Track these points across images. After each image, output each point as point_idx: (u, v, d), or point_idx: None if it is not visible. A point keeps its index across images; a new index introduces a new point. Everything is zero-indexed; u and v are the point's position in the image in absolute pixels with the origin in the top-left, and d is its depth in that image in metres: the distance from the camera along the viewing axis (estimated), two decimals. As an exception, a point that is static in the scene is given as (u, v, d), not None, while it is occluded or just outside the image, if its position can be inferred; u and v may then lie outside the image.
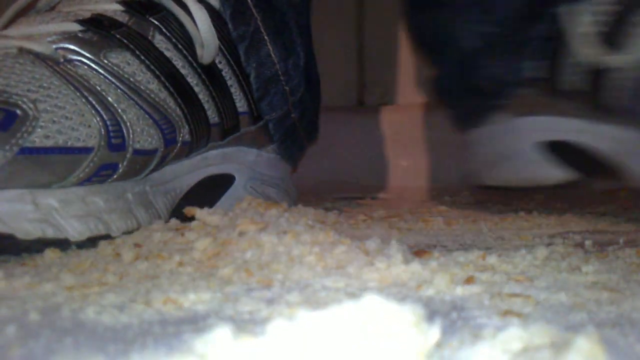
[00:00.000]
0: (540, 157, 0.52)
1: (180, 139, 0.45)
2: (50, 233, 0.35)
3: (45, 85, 0.37)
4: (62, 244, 0.36)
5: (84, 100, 0.39)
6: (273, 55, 0.52)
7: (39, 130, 0.35)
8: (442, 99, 0.61)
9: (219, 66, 0.50)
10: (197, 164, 0.51)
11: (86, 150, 0.38)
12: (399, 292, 0.26)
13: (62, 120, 0.37)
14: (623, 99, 0.42)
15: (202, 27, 0.46)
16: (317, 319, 0.16)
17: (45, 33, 0.41)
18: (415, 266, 0.29)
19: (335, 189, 0.79)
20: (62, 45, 0.41)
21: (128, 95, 0.41)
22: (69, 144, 0.37)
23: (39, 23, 0.42)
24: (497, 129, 0.54)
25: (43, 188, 0.36)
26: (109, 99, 0.40)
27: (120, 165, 0.40)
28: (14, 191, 0.35)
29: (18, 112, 0.35)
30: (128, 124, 0.40)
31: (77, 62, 0.40)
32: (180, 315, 0.23)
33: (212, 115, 0.49)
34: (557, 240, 0.40)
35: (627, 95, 0.42)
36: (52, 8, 0.45)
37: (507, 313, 0.23)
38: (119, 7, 0.44)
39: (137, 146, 0.41)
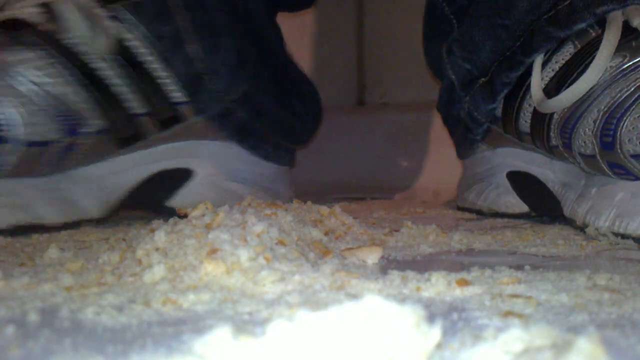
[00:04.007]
0: (506, 187, 0.55)
1: (91, 128, 0.46)
2: None
3: None
4: None
5: None
6: (196, 54, 0.53)
7: None
8: (444, 123, 0.63)
9: (149, 58, 0.50)
10: (142, 159, 0.52)
11: None
12: (399, 293, 0.26)
13: None
14: (557, 139, 0.46)
15: (74, 27, 0.48)
16: (317, 319, 0.16)
17: None
18: (416, 268, 0.29)
19: (335, 189, 0.79)
20: None
21: (21, 91, 0.43)
22: None
23: None
24: (479, 157, 0.58)
25: None
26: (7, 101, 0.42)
27: (5, 156, 0.42)
28: None
29: None
30: (18, 116, 0.43)
31: None
32: (179, 316, 0.23)
33: (135, 105, 0.50)
34: (559, 241, 0.40)
35: (558, 136, 0.45)
36: None
37: (508, 314, 0.23)
38: (35, 9, 0.47)
39: (29, 138, 0.43)
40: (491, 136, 0.56)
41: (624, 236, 0.39)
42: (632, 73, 0.41)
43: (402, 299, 0.25)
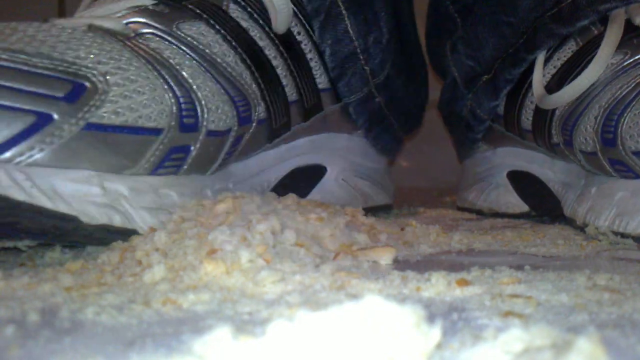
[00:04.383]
0: (506, 186, 0.55)
1: (256, 117, 0.41)
2: (117, 221, 0.33)
3: (116, 57, 0.34)
4: (128, 235, 0.33)
5: (156, 74, 0.35)
6: (351, 31, 0.48)
7: (108, 105, 0.33)
8: (444, 123, 0.63)
9: (298, 38, 0.46)
10: (284, 154, 0.47)
11: (156, 132, 0.34)
12: (399, 293, 0.26)
13: (133, 95, 0.34)
14: (558, 136, 0.46)
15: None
16: (317, 319, 0.16)
17: (115, 10, 0.39)
18: (416, 268, 0.29)
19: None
20: (132, 19, 0.38)
21: (204, 69, 0.38)
22: (140, 123, 0.34)
23: (109, 3, 0.40)
24: (479, 157, 0.59)
25: (111, 173, 0.33)
26: (184, 73, 0.37)
27: (192, 148, 0.36)
28: (81, 172, 0.32)
29: (87, 84, 0.32)
30: (203, 102, 0.37)
31: (148, 36, 0.37)
32: (179, 316, 0.23)
33: (291, 92, 0.45)
34: (559, 241, 0.40)
35: (560, 133, 0.45)
36: None
37: (508, 314, 0.23)
38: None
39: (211, 127, 0.37)
40: (492, 135, 0.56)
41: (623, 235, 0.39)
42: (633, 70, 0.41)
43: (402, 299, 0.25)
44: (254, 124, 0.41)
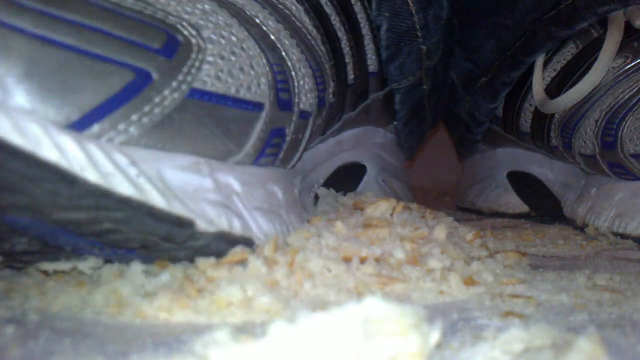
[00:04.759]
0: (506, 187, 0.55)
1: (329, 99, 0.34)
2: (237, 228, 0.25)
3: (199, 6, 0.26)
4: (247, 245, 0.25)
5: (246, 32, 0.28)
6: (411, 4, 0.41)
7: (207, 67, 0.25)
8: (444, 124, 0.63)
9: (356, 8, 0.39)
10: (332, 150, 0.41)
11: (258, 106, 0.27)
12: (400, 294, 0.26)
13: (230, 56, 0.26)
14: (557, 139, 0.46)
15: None
16: (317, 320, 0.16)
17: None
18: (416, 268, 0.29)
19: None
20: None
21: (289, 33, 0.30)
22: (242, 94, 0.26)
23: None
24: (479, 157, 0.58)
25: (217, 160, 0.25)
26: (272, 36, 0.29)
27: (287, 132, 0.29)
28: (188, 157, 0.24)
29: (179, 37, 0.24)
30: (293, 72, 0.29)
31: None
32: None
33: (350, 73, 0.38)
34: (559, 241, 0.40)
35: (559, 136, 0.45)
36: None
37: (508, 314, 0.23)
38: None
39: (302, 105, 0.30)
40: (491, 136, 0.56)
41: (623, 236, 0.39)
42: (634, 74, 0.41)
43: (402, 299, 0.25)
44: (326, 108, 0.33)
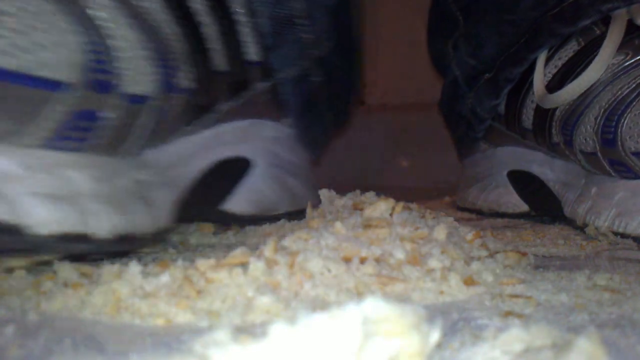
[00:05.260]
0: (506, 186, 0.55)
1: (181, 84, 0.33)
2: (2, 213, 0.24)
3: None
4: (13, 233, 0.24)
5: (54, 6, 0.26)
6: None
7: None
8: (445, 122, 0.63)
9: None
10: (208, 142, 0.39)
11: (55, 85, 0.26)
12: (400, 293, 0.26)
13: (29, 30, 0.25)
14: (559, 136, 0.46)
15: None
16: (317, 320, 0.16)
17: None
18: (416, 268, 0.29)
19: (335, 189, 0.79)
20: None
21: (121, 12, 0.29)
22: (33, 71, 0.25)
23: None
24: (479, 157, 0.58)
25: None
26: (97, 12, 0.28)
27: (103, 115, 0.28)
28: None
29: None
30: (120, 53, 0.28)
31: None
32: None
33: (218, 59, 0.37)
34: (559, 241, 0.40)
35: (560, 133, 0.45)
36: None
37: (508, 314, 0.23)
38: None
39: (129, 89, 0.29)
40: (492, 134, 0.56)
41: (623, 235, 0.39)
42: (633, 70, 0.41)
43: (402, 299, 0.25)
44: (177, 94, 0.32)
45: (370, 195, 0.37)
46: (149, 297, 0.23)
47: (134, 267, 0.24)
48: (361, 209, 0.33)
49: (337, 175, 0.87)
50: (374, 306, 0.16)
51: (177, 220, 0.34)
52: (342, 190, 0.39)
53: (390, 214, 0.31)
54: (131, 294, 0.24)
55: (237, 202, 0.41)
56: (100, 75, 0.27)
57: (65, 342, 0.20)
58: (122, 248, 0.30)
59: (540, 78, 0.47)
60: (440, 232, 0.30)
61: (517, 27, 0.49)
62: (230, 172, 0.41)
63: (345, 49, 0.48)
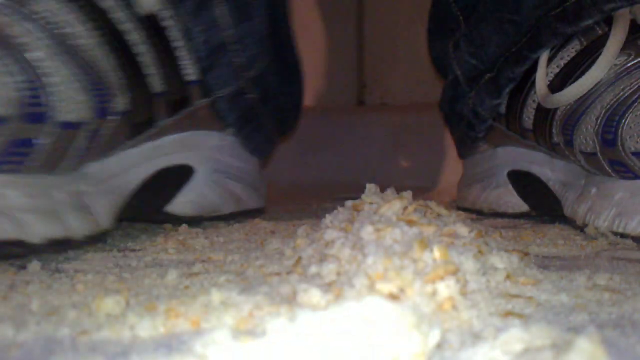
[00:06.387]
0: (506, 186, 0.55)
1: (115, 108, 0.37)
2: None
3: None
4: None
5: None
6: (225, 19, 0.45)
7: None
8: (445, 122, 0.63)
9: (164, 23, 0.42)
10: (149, 154, 0.43)
11: None
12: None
13: None
14: (559, 136, 0.46)
15: None
16: (318, 319, 0.16)
17: None
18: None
19: (335, 189, 0.79)
20: None
21: (57, 51, 0.34)
22: None
23: None
24: (479, 157, 0.58)
25: None
26: (31, 54, 0.32)
27: (38, 142, 0.32)
28: None
29: None
30: (52, 88, 0.33)
31: None
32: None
33: (155, 83, 0.41)
34: (559, 241, 0.40)
35: (560, 133, 0.45)
36: None
37: (508, 314, 0.23)
38: None
39: (62, 117, 0.33)
40: (493, 134, 0.56)
41: (623, 235, 0.39)
42: (636, 71, 0.41)
43: (402, 299, 0.25)
44: (112, 117, 0.37)
45: (371, 195, 0.36)
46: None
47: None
48: (359, 210, 0.33)
49: (337, 175, 0.87)
50: (374, 306, 0.16)
51: (121, 221, 0.38)
52: (342, 190, 0.39)
53: (402, 213, 0.32)
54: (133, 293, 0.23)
55: (180, 205, 0.46)
56: (35, 108, 0.32)
57: (66, 342, 0.20)
58: (57, 250, 0.33)
59: (542, 78, 0.47)
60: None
61: (519, 26, 0.49)
62: (173, 178, 0.46)
63: (281, 67, 0.53)
